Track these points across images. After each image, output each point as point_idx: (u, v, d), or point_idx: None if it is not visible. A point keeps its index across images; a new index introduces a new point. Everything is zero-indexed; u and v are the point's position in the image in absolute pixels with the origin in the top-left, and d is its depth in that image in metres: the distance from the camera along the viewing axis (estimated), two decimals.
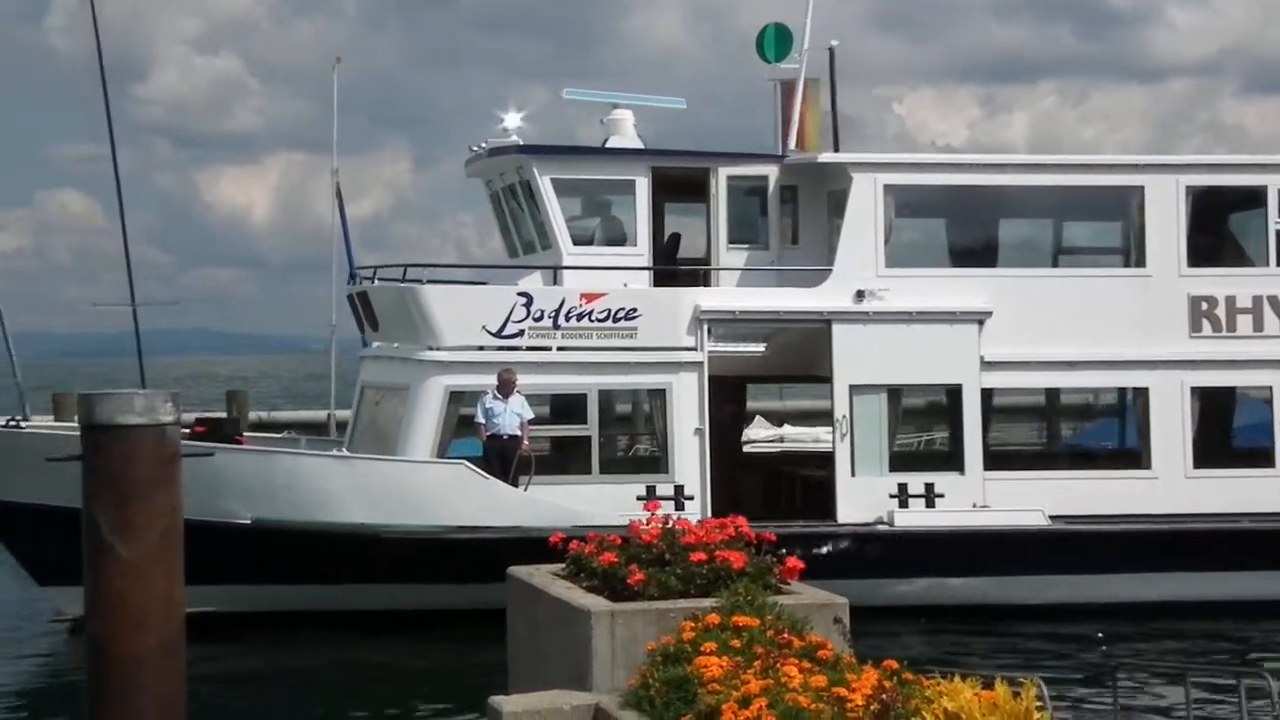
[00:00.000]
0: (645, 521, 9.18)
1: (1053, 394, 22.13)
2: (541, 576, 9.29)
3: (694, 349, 19.43)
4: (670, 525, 8.95)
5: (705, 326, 19.46)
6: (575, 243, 20.39)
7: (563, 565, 9.29)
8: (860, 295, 19.74)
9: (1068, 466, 21.01)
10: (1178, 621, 18.85)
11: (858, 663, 7.72)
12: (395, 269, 20.67)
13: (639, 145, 21.34)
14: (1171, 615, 19.02)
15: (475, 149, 21.54)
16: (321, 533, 18.27)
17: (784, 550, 9.39)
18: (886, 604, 18.85)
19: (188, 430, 20.96)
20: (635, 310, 19.38)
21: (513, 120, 21.39)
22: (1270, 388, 20.39)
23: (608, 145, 21.19)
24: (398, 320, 20.16)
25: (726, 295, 19.88)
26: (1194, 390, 20.28)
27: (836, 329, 19.63)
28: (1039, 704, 6.99)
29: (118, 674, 9.26)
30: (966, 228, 21.23)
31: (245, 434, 22.70)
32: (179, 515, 9.42)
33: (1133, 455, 20.66)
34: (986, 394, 19.99)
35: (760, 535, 9.04)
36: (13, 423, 19.72)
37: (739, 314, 19.83)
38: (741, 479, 21.20)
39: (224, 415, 28.79)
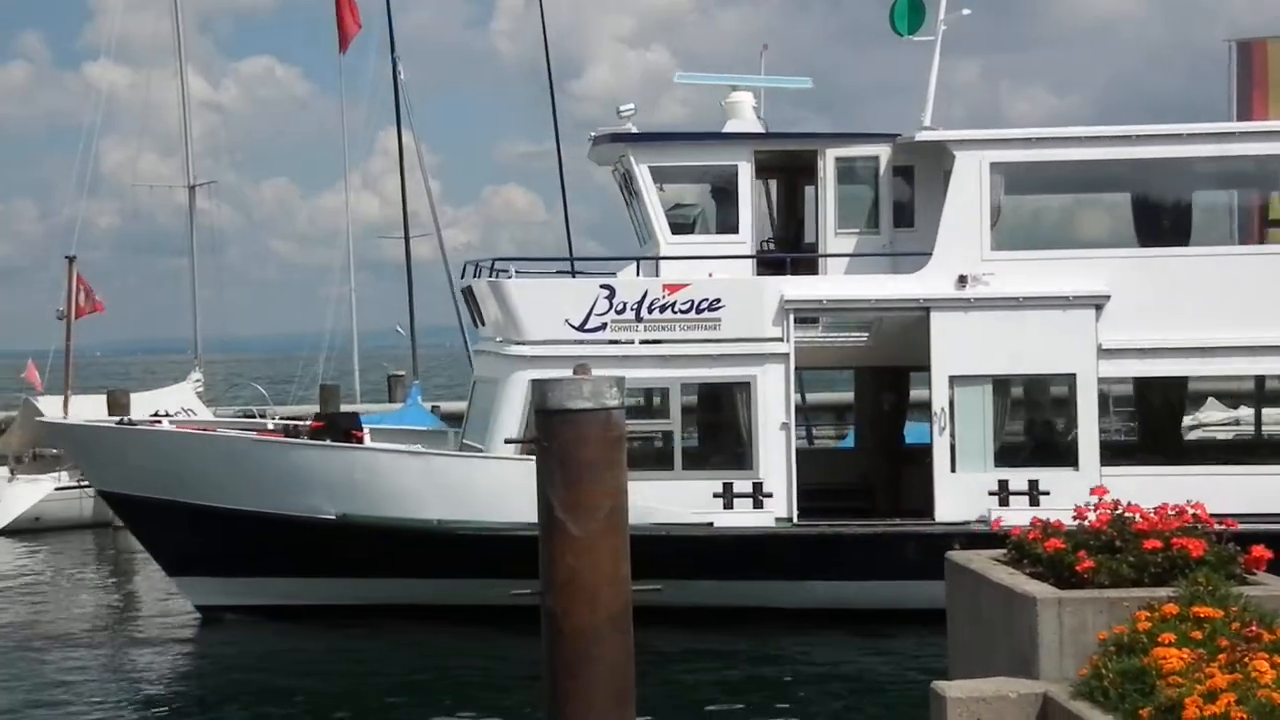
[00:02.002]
0: (1092, 507, 8.89)
1: (1179, 383, 20.22)
2: (981, 561, 9.19)
3: (780, 339, 18.63)
4: (1120, 511, 8.69)
5: (791, 316, 18.64)
6: (674, 231, 19.88)
7: (1004, 551, 9.17)
8: (963, 281, 18.55)
9: (1192, 462, 19.12)
10: None
11: None
12: (504, 263, 20.53)
13: (758, 127, 20.71)
14: None
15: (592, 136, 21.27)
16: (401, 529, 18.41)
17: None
18: None
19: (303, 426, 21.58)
20: (719, 301, 18.72)
21: (628, 108, 20.99)
22: None
23: (725, 130, 20.63)
24: (493, 314, 20.08)
25: (813, 283, 18.97)
26: None
27: (935, 316, 18.51)
28: None
29: (571, 646, 9.85)
30: (1085, 207, 19.67)
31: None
32: (624, 495, 9.98)
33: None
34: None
35: (1223, 523, 8.70)
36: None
37: (827, 303, 18.92)
38: (906, 473, 20.12)
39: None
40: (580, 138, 19.38)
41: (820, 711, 15.31)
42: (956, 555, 9.48)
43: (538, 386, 10.00)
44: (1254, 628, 7.37)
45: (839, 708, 15.43)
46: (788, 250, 20.63)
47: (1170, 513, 8.62)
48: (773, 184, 21.55)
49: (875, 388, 21.81)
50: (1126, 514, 8.63)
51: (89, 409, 29.38)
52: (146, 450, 20.15)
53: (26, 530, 29.69)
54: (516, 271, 19.86)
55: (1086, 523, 8.70)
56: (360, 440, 21.06)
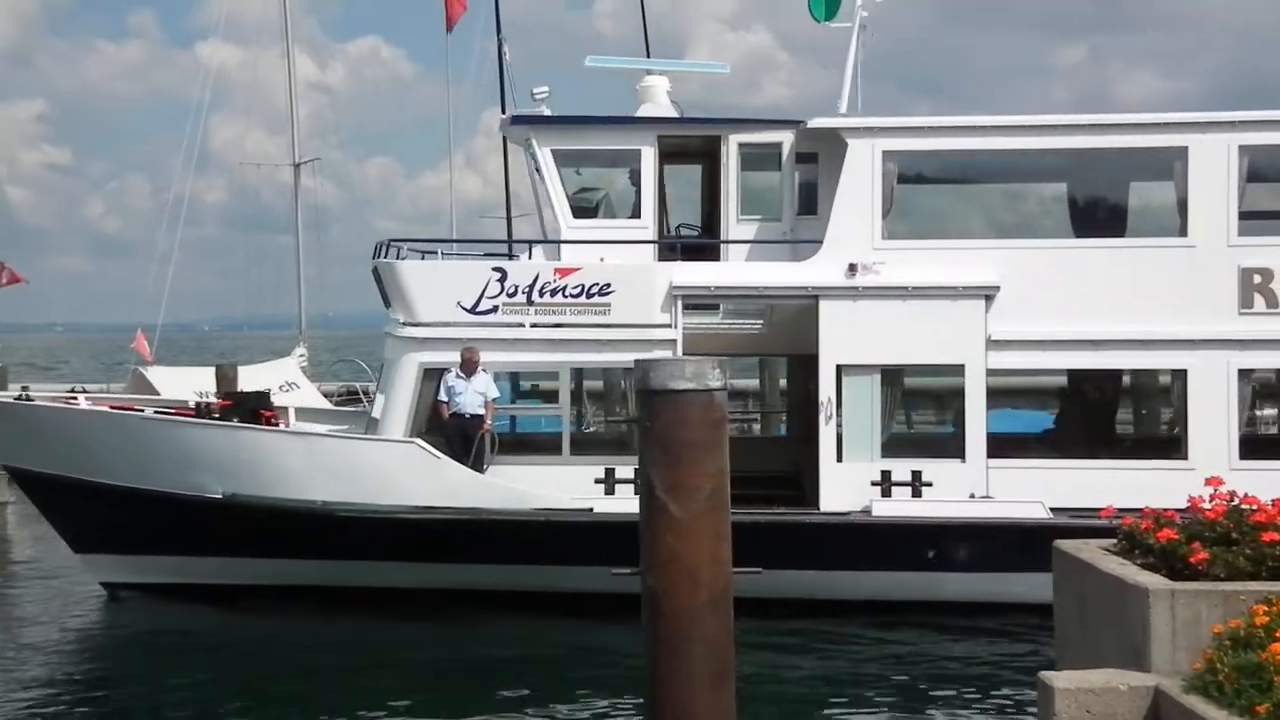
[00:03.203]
0: (1207, 498, 8.75)
1: (1071, 375, 20.06)
2: (1090, 551, 9.10)
3: (669, 325, 18.58)
4: (1237, 502, 8.55)
5: (679, 303, 18.59)
6: (577, 215, 19.85)
7: (1114, 541, 9.10)
8: (852, 269, 18.45)
9: (1083, 455, 18.96)
10: None
11: None
12: (397, 243, 20.49)
13: (671, 112, 20.65)
14: None
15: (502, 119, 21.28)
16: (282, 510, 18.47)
17: None
18: (869, 597, 17.89)
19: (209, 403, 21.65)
20: (609, 286, 18.68)
21: (542, 91, 20.95)
22: None
23: (638, 115, 20.59)
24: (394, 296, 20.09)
25: (701, 270, 18.91)
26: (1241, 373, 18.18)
27: (824, 305, 18.43)
28: None
29: (672, 625, 9.82)
30: (978, 197, 19.53)
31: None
32: (726, 477, 9.92)
33: (1167, 443, 18.64)
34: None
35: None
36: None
37: (715, 290, 18.86)
38: None
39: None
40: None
41: (927, 701, 15.18)
42: (1065, 544, 9.34)
43: (640, 366, 9.94)
44: None
45: (949, 695, 15.27)
46: (707, 236, 20.60)
47: None
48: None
49: (805, 376, 21.75)
50: (1244, 505, 8.52)
51: (198, 381, 30.18)
52: (49, 427, 20.25)
53: None
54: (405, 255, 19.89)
55: (1202, 512, 8.60)
56: (270, 420, 21.15)
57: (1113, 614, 8.34)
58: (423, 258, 20.47)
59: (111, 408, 21.57)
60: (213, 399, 22.52)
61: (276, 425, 21.09)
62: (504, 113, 21.06)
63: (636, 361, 10.07)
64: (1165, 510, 8.85)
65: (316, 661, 16.94)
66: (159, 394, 26.43)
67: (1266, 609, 7.47)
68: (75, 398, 22.31)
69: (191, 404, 22.15)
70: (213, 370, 30.72)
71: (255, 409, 21.21)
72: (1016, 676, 15.28)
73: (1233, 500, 8.55)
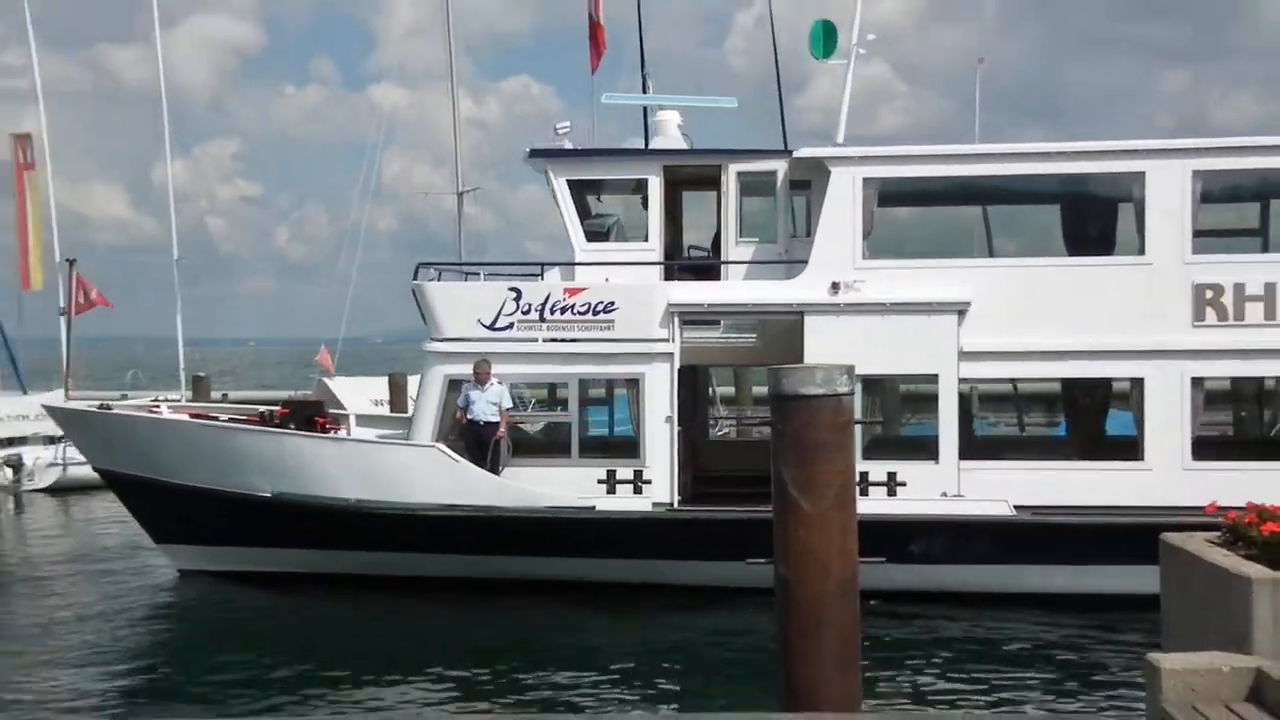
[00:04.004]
0: None
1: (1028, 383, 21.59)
2: (1196, 543, 9.41)
3: (666, 340, 20.38)
4: None
5: (676, 319, 20.39)
6: (590, 239, 21.72)
7: (1218, 534, 9.45)
8: (835, 287, 20.11)
9: (1049, 457, 20.48)
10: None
11: None
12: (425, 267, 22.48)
13: (680, 143, 22.48)
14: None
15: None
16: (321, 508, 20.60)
17: None
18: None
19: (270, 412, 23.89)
20: (613, 304, 20.51)
21: (564, 126, 22.90)
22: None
23: (651, 147, 22.50)
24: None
25: (697, 289, 20.70)
26: (1195, 381, 19.60)
27: (809, 320, 20.11)
28: None
29: (804, 611, 10.44)
30: (953, 219, 21.07)
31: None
32: (852, 475, 10.66)
33: (1126, 446, 20.07)
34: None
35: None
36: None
37: (708, 307, 20.62)
38: None
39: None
40: (806, 145, 21.38)
41: (1036, 683, 16.28)
42: (1171, 536, 9.63)
43: (773, 373, 10.57)
44: None
45: (1052, 677, 16.44)
46: (716, 258, 22.37)
47: None
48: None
49: None
50: None
51: (372, 390, 32.91)
52: (126, 434, 22.60)
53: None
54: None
55: None
56: (324, 427, 23.33)
57: (1218, 602, 8.59)
58: (465, 277, 22.56)
59: (190, 415, 23.95)
60: (274, 408, 24.80)
61: (332, 431, 23.30)
62: (646, 143, 22.96)
63: (770, 369, 10.78)
64: (1270, 506, 9.20)
65: (350, 639, 18.86)
66: (341, 403, 29.08)
67: None
68: (158, 407, 24.61)
69: (259, 413, 24.43)
70: (385, 379, 33.46)
71: (310, 416, 23.45)
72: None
73: None
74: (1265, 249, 20.49)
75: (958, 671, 16.67)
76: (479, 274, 23.41)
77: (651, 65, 27.80)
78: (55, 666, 17.46)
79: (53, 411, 25.45)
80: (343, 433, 23.62)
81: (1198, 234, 19.79)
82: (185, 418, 23.32)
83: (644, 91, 32.72)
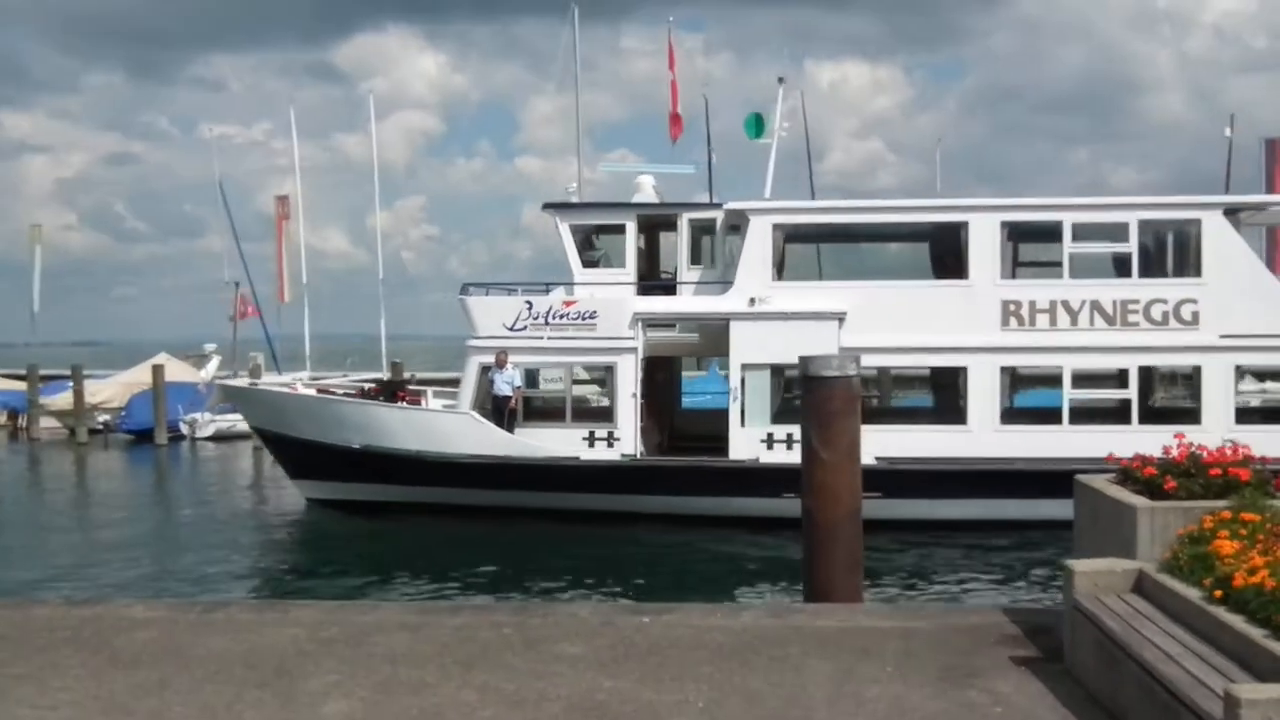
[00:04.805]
0: (1174, 448, 10.88)
1: (891, 370, 29.83)
2: (1099, 481, 11.16)
3: (633, 338, 28.64)
4: (1194, 450, 10.70)
5: (640, 323, 28.68)
6: (585, 266, 30.10)
7: (1113, 475, 11.25)
8: (752, 301, 28.32)
9: (901, 422, 28.66)
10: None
11: None
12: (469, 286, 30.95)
13: (654, 199, 30.88)
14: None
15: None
16: (392, 455, 29.23)
17: None
18: (762, 515, 27.61)
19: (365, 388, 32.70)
20: (595, 312, 28.80)
21: (573, 187, 31.52)
22: (1061, 367, 27.56)
23: (633, 200, 30.91)
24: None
25: (654, 301, 29.02)
26: (1003, 369, 27.71)
27: (733, 324, 28.30)
28: None
29: (822, 530, 12.96)
30: (835, 252, 29.33)
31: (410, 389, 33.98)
32: (858, 434, 13.33)
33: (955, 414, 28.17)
34: None
35: (1263, 459, 10.80)
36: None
37: (662, 315, 28.94)
38: None
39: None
40: (824, 197, 32.02)
41: (980, 585, 22.45)
42: (1083, 478, 11.52)
43: (803, 360, 13.64)
44: None
45: (996, 579, 22.71)
46: (671, 281, 30.54)
47: (1228, 452, 10.62)
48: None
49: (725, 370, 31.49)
50: (1197, 451, 10.66)
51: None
52: (270, 403, 31.45)
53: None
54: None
55: (1171, 457, 10.77)
56: (405, 400, 31.93)
57: (1113, 524, 10.44)
58: (501, 292, 31.00)
59: (318, 391, 32.69)
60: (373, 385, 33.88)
61: (410, 403, 31.74)
62: (710, 198, 31.91)
63: (800, 357, 13.87)
64: (1149, 455, 11.06)
65: (421, 550, 27.24)
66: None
67: (1212, 518, 9.46)
68: (294, 385, 33.42)
69: (360, 389, 33.22)
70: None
71: (394, 391, 32.22)
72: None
73: (1191, 449, 10.71)
74: (1064, 276, 28.46)
75: (922, 578, 23.19)
76: (517, 290, 31.69)
77: (716, 139, 36.83)
78: (231, 550, 26.76)
79: (224, 388, 34.64)
80: (421, 404, 32.04)
81: (1018, 265, 27.94)
82: (310, 392, 32.06)
83: (709, 162, 41.38)
